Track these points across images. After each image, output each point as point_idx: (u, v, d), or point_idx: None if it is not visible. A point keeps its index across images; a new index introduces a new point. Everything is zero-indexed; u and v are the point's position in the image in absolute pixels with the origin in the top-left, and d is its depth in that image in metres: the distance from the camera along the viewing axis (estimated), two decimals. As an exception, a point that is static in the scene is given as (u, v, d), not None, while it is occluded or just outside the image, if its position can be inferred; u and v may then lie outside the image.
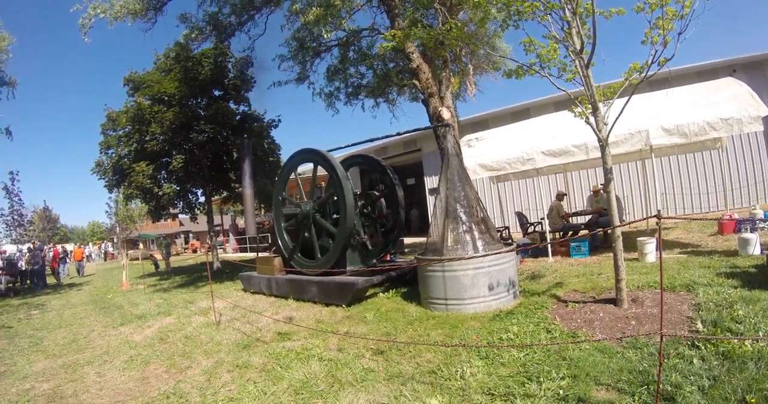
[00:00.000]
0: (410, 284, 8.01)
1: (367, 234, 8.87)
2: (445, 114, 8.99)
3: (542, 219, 11.88)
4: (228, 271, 15.00)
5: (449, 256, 6.15)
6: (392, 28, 9.71)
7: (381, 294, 7.65)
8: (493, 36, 12.09)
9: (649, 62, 4.90)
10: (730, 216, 9.40)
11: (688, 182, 13.43)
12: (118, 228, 46.31)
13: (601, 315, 5.08)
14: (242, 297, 9.39)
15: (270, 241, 9.92)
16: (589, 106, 5.58)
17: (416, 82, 9.81)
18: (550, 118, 11.27)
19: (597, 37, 5.11)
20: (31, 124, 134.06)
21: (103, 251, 50.10)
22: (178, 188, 14.92)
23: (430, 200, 18.84)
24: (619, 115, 5.37)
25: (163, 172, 14.56)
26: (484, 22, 5.90)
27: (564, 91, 5.68)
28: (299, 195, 9.10)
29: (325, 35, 9.52)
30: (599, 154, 9.06)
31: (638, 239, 8.20)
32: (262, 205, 15.99)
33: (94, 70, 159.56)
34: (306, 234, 8.66)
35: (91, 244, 59.76)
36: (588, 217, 10.91)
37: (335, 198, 8.31)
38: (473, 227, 6.39)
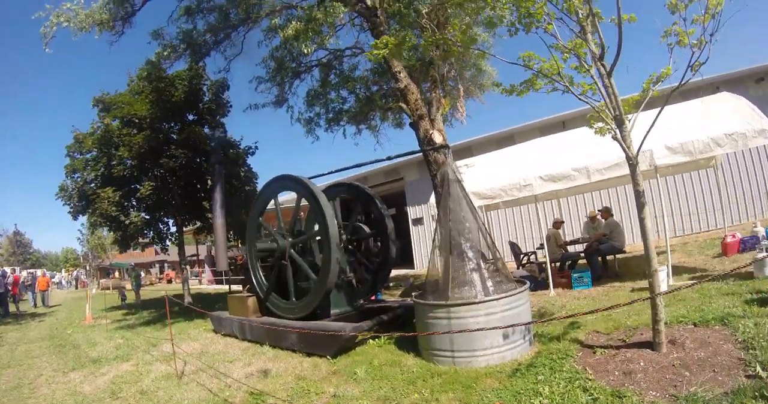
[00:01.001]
0: (403, 327, 6.80)
1: (352, 271, 7.61)
2: (437, 137, 7.97)
3: (538, 248, 10.89)
4: (199, 306, 13.43)
5: (455, 300, 4.99)
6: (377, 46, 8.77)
7: (371, 340, 6.33)
8: (478, 57, 11.28)
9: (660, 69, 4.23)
10: (733, 235, 8.62)
11: (677, 202, 12.67)
12: (90, 256, 43.81)
13: (641, 364, 4.08)
14: (212, 341, 7.94)
15: (244, 278, 8.54)
16: (611, 120, 4.73)
17: (403, 105, 8.82)
18: (541, 142, 10.44)
19: (622, 40, 4.27)
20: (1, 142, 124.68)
21: (74, 278, 46.83)
22: (147, 217, 13.43)
23: (413, 231, 17.75)
24: (650, 129, 4.48)
25: (132, 199, 13.07)
26: (491, 26, 4.94)
27: (587, 103, 4.83)
28: (277, 227, 7.82)
29: (306, 50, 8.45)
30: (601, 177, 8.29)
31: None
32: (237, 238, 14.49)
33: (65, 89, 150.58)
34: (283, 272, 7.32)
35: (63, 271, 56.37)
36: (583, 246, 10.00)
37: (317, 230, 7.10)
38: (481, 264, 5.27)
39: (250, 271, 7.64)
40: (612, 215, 9.62)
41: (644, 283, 7.75)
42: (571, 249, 9.99)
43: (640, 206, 4.58)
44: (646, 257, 4.55)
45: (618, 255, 9.41)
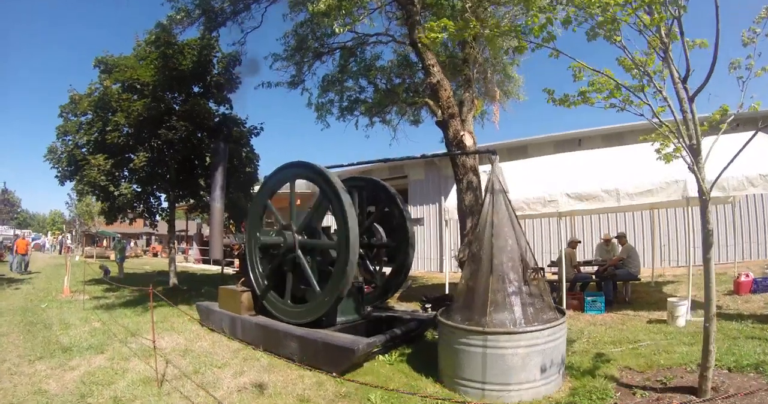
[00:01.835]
0: (413, 342, 6.06)
1: (362, 275, 6.78)
2: (468, 140, 7.24)
3: (548, 265, 10.25)
4: (185, 288, 12.50)
5: (493, 326, 4.25)
6: (410, 36, 7.99)
7: (380, 356, 5.54)
8: (506, 64, 10.59)
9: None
10: (747, 275, 8.24)
11: (683, 234, 12.21)
12: (77, 222, 42.19)
13: (691, 413, 3.65)
14: (198, 335, 7.01)
15: (239, 269, 7.61)
16: (685, 148, 4.14)
17: (430, 101, 8.05)
18: (564, 157, 9.82)
19: (716, 62, 3.68)
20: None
21: (59, 243, 44.72)
22: (138, 190, 12.36)
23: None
24: (731, 161, 4.04)
25: (124, 169, 12.01)
26: (568, 22, 4.21)
27: (665, 125, 4.22)
28: (277, 219, 6.90)
29: (338, 30, 7.57)
30: (630, 202, 7.67)
31: (669, 300, 6.92)
32: (231, 222, 13.43)
33: (67, 45, 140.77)
34: (287, 270, 6.36)
35: (49, 234, 54.26)
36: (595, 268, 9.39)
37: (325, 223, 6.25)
38: (522, 289, 4.56)
39: (248, 264, 6.75)
40: (627, 241, 9.06)
41: (659, 314, 7.41)
42: (583, 270, 9.39)
43: (708, 246, 4.02)
44: (707, 302, 4.03)
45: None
